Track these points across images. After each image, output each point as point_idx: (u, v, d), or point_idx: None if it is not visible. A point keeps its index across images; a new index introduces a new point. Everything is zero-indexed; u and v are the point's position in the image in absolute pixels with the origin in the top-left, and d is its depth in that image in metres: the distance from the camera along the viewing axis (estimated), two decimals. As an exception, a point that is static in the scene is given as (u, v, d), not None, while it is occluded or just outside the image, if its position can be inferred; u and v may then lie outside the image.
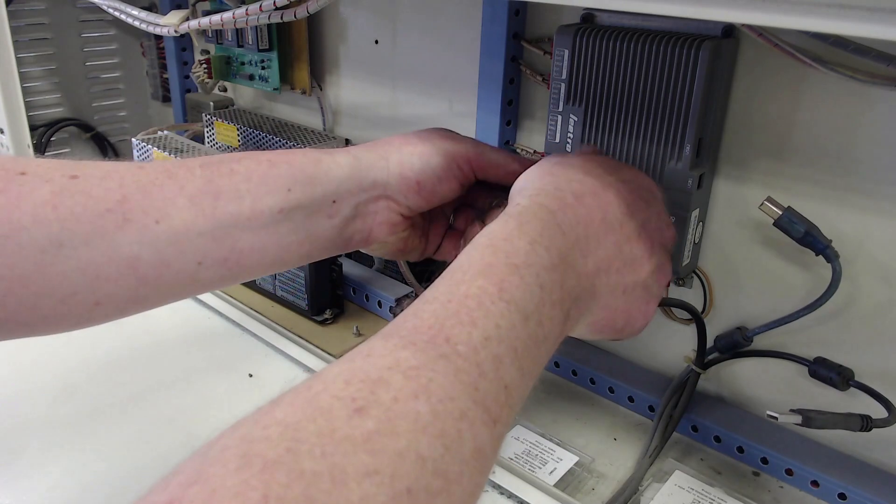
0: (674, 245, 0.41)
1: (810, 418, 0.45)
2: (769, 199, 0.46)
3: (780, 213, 0.46)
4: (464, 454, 0.23)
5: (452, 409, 0.23)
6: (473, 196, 0.47)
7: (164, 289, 0.36)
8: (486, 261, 0.29)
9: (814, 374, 0.50)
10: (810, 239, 0.46)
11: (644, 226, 0.37)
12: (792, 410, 0.46)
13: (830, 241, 0.46)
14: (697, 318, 0.53)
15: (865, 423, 0.46)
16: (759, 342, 0.53)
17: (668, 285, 0.55)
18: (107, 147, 1.00)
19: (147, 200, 0.35)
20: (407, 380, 0.23)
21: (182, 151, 0.75)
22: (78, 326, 0.35)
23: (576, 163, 0.38)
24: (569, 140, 0.54)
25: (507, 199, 0.37)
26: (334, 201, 0.40)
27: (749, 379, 0.55)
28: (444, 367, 0.24)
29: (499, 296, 0.27)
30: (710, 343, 0.54)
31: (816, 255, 0.46)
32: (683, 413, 0.54)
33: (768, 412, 0.45)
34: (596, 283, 0.34)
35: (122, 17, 0.74)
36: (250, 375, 0.56)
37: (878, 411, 0.47)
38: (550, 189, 0.35)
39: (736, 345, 0.53)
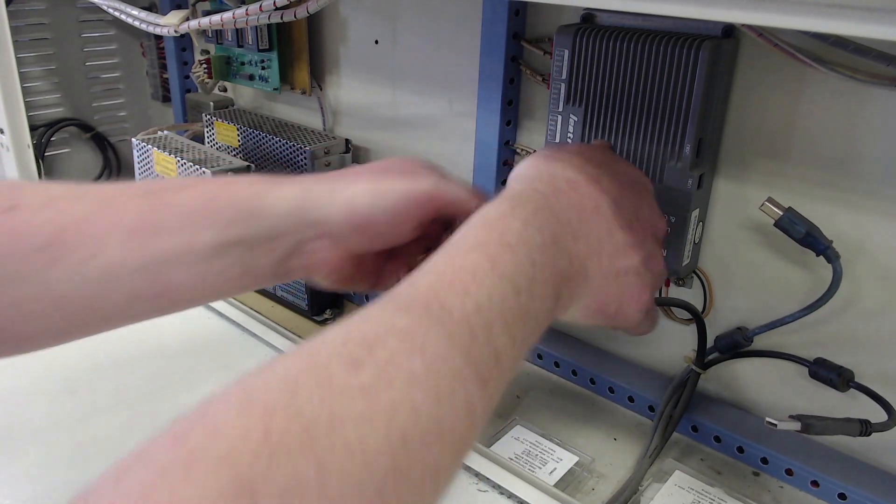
0: (665, 236, 0.41)
1: (809, 425, 0.45)
2: (770, 200, 0.46)
3: (781, 213, 0.46)
4: (456, 409, 0.24)
5: (445, 368, 0.24)
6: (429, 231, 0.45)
7: (92, 324, 0.36)
8: (480, 238, 0.30)
9: (814, 375, 0.50)
10: (811, 240, 0.45)
11: (636, 215, 0.38)
12: (791, 417, 0.46)
13: (831, 241, 0.46)
14: (697, 318, 0.53)
15: (865, 428, 0.46)
16: (759, 342, 0.52)
17: (669, 285, 0.55)
18: (107, 147, 1.00)
19: (81, 235, 0.34)
20: (402, 341, 0.24)
21: (182, 151, 0.75)
22: (5, 356, 0.36)
23: (572, 152, 0.39)
24: (569, 140, 0.54)
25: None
26: (274, 238, 0.38)
27: (749, 379, 0.55)
28: (438, 330, 0.25)
29: (492, 269, 0.28)
30: (710, 343, 0.54)
31: (817, 255, 0.46)
32: (683, 413, 0.54)
33: (767, 419, 0.45)
34: (588, 265, 0.34)
35: (122, 17, 0.74)
36: (250, 375, 0.56)
37: (877, 413, 0.47)
38: (545, 176, 0.36)
39: (736, 345, 0.53)
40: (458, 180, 0.41)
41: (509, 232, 0.31)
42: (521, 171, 0.37)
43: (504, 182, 0.63)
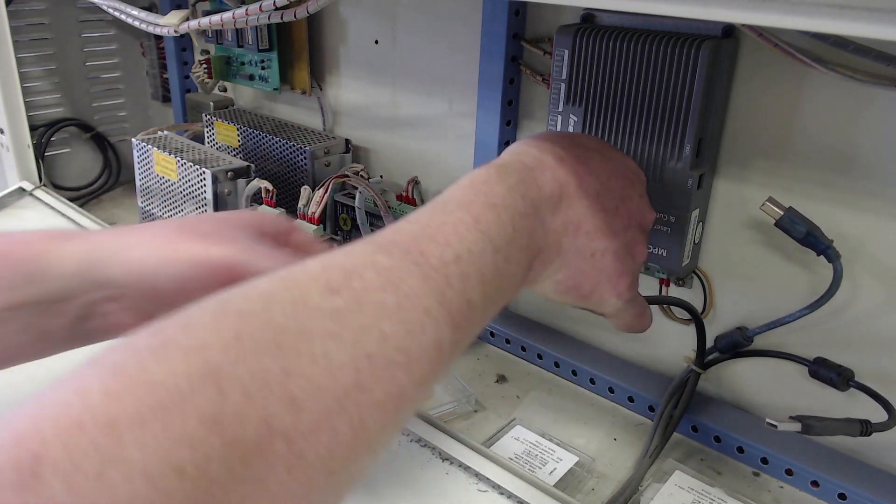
0: (651, 226, 0.42)
1: (810, 426, 0.45)
2: (770, 200, 0.46)
3: (782, 213, 0.46)
4: (424, 342, 0.25)
5: (417, 305, 0.25)
6: None
7: None
8: (466, 198, 0.31)
9: (814, 375, 0.50)
10: (812, 239, 0.45)
11: (623, 201, 0.38)
12: (791, 418, 0.46)
13: (832, 241, 0.46)
14: (697, 318, 0.53)
15: (865, 429, 0.46)
16: (760, 342, 0.52)
17: (669, 285, 0.55)
18: (107, 147, 1.00)
19: None
20: (378, 275, 0.25)
21: (182, 151, 0.75)
22: None
23: (566, 135, 0.39)
24: (569, 140, 0.54)
25: None
26: (63, 300, 0.36)
27: (749, 379, 0.55)
28: (416, 271, 0.26)
29: (475, 226, 0.29)
30: (710, 343, 0.54)
31: (818, 255, 0.46)
32: (683, 413, 0.54)
33: (767, 420, 0.45)
34: (563, 241, 0.35)
35: (122, 17, 0.74)
36: (250, 375, 0.56)
37: (877, 413, 0.47)
38: (534, 151, 0.36)
39: (736, 345, 0.53)
40: (272, 248, 0.36)
41: (493, 194, 0.31)
42: (513, 147, 0.38)
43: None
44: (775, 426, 0.45)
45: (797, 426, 0.45)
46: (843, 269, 0.46)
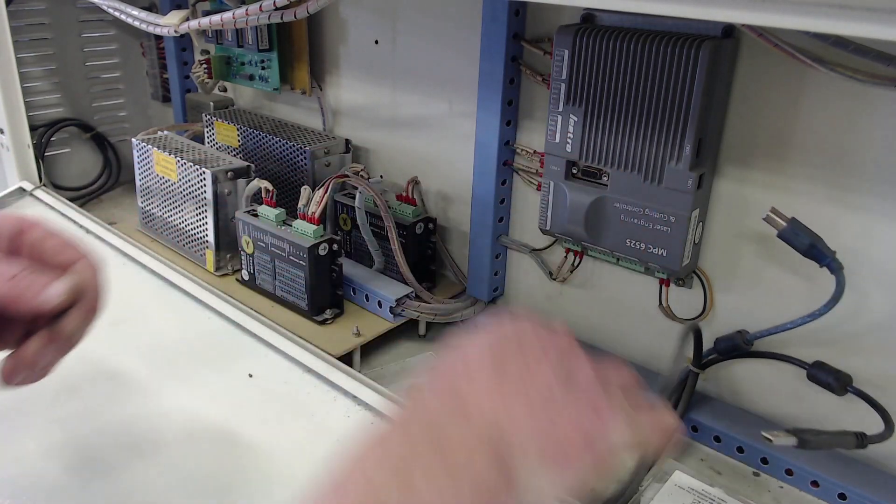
0: (624, 378, 0.36)
1: (805, 440, 0.45)
2: (773, 210, 0.45)
3: (784, 224, 0.45)
4: None
5: None
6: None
7: None
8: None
9: (812, 378, 0.50)
10: (815, 252, 0.45)
11: (549, 388, 0.31)
12: (787, 431, 0.45)
13: (834, 252, 0.45)
14: (697, 334, 0.53)
15: (861, 441, 0.46)
16: (759, 343, 0.52)
17: (669, 285, 0.55)
18: (107, 147, 1.00)
19: None
20: None
21: (182, 151, 0.75)
22: None
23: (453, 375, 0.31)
24: (569, 140, 0.54)
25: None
26: None
27: (749, 380, 0.55)
28: None
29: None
30: (711, 345, 0.54)
31: (820, 266, 0.45)
32: (683, 413, 0.54)
33: (763, 433, 0.44)
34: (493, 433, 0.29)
35: (122, 17, 0.74)
36: (250, 375, 0.56)
37: (873, 420, 0.47)
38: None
39: (736, 348, 0.53)
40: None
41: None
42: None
43: (504, 182, 0.64)
44: (771, 440, 0.44)
45: (793, 440, 0.44)
46: (845, 281, 0.45)
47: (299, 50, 0.78)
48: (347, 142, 0.77)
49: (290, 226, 0.66)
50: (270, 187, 0.67)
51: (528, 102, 0.61)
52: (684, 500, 0.48)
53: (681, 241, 0.51)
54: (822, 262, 0.45)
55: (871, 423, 0.47)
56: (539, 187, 0.61)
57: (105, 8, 0.76)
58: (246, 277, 0.71)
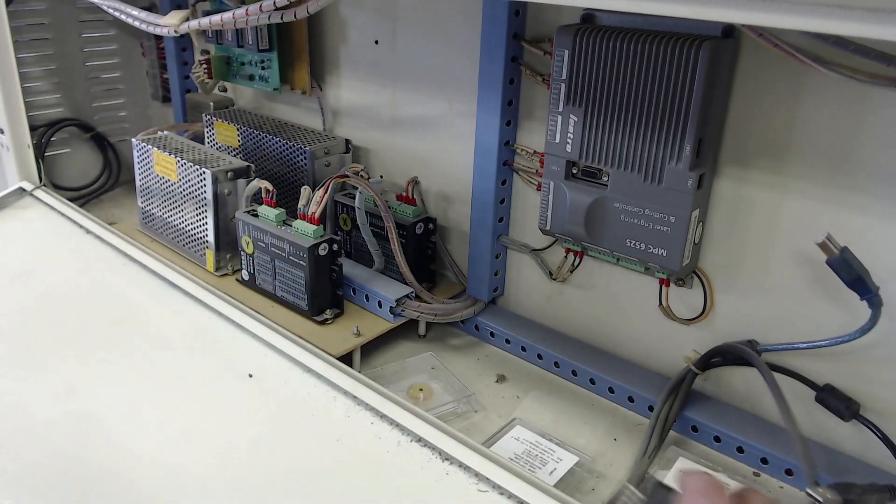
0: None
1: (851, 501, 0.43)
2: (829, 237, 0.44)
3: (836, 252, 0.44)
4: None
5: None
6: None
7: None
8: None
9: (820, 401, 0.50)
10: (860, 285, 0.44)
11: None
12: (829, 486, 0.43)
13: (878, 287, 0.44)
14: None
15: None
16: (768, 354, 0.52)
17: (669, 284, 0.55)
18: (107, 147, 1.00)
19: None
20: None
21: (182, 151, 0.75)
22: None
23: None
24: (569, 140, 0.54)
25: None
26: None
27: (749, 382, 0.55)
28: None
29: None
30: (711, 346, 0.54)
31: (861, 299, 0.45)
32: (680, 412, 0.54)
33: (807, 489, 0.42)
34: None
35: (122, 17, 0.74)
36: (250, 375, 0.56)
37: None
38: None
39: (745, 358, 0.52)
40: None
41: None
42: None
43: (504, 182, 0.64)
44: (819, 501, 0.42)
45: (839, 500, 0.42)
46: (881, 314, 0.44)
47: (299, 50, 0.78)
48: (347, 142, 0.77)
49: (290, 226, 0.66)
50: (270, 187, 0.67)
51: (528, 102, 0.61)
52: (684, 500, 0.48)
53: (681, 241, 0.51)
54: (864, 296, 0.44)
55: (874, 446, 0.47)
56: (539, 187, 0.61)
57: (105, 8, 0.76)
58: (246, 277, 0.71)
